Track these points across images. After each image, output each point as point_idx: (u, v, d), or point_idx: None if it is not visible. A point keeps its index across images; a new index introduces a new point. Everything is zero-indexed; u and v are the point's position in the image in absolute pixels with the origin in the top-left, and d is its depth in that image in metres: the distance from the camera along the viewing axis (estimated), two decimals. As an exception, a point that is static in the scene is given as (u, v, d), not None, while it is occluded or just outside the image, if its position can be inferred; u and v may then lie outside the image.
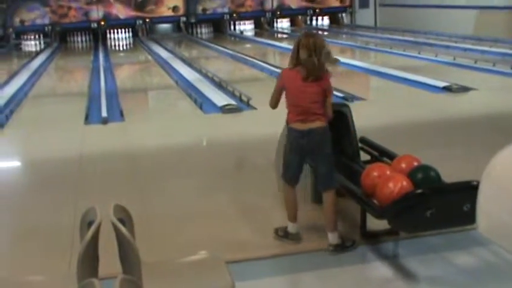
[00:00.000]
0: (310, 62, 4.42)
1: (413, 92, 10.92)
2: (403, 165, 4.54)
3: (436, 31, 20.28)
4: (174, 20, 25.83)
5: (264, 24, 26.85)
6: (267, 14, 26.66)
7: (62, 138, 8.74)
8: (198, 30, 26.25)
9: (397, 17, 24.54)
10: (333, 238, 4.59)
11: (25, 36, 24.81)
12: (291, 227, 4.78)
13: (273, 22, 27.21)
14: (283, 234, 4.80)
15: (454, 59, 14.15)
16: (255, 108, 9.94)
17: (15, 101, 11.55)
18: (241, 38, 24.72)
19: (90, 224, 3.10)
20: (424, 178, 4.30)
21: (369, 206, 4.36)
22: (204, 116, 9.71)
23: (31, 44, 24.61)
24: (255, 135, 8.27)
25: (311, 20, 27.66)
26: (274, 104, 4.76)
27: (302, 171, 4.81)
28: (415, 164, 4.54)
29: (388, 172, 4.45)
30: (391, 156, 5.11)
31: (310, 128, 4.53)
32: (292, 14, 27.34)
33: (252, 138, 8.14)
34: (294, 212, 4.79)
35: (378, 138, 5.73)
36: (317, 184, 4.87)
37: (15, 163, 8.14)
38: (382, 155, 5.35)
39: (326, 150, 4.61)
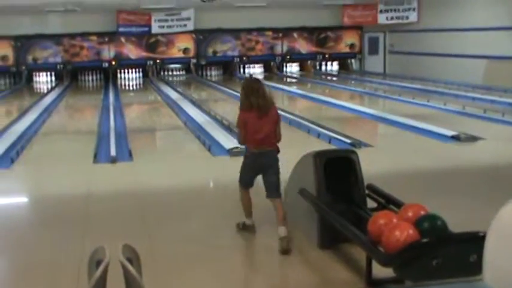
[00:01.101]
0: (260, 104, 5.71)
1: (422, 140, 10.96)
2: (410, 214, 4.56)
3: (445, 79, 20.43)
4: (184, 62, 26.13)
5: (273, 68, 27.12)
6: (277, 58, 26.94)
7: (71, 176, 8.81)
8: (208, 73, 26.53)
9: (406, 64, 24.77)
10: (281, 231, 5.54)
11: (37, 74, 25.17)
12: (248, 221, 6.06)
13: (283, 66, 27.49)
14: (242, 227, 6.07)
15: (463, 108, 14.21)
16: (263, 152, 9.99)
17: (26, 137, 11.67)
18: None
19: (98, 263, 3.13)
20: (431, 227, 4.31)
21: (375, 253, 4.37)
22: (212, 158, 9.76)
23: (43, 82, 24.93)
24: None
25: (320, 65, 27.91)
26: (242, 141, 6.01)
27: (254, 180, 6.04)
28: (422, 212, 4.55)
29: (394, 220, 4.48)
30: (398, 204, 5.14)
31: (267, 150, 5.82)
32: (301, 59, 27.61)
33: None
34: (249, 211, 6.07)
35: (385, 186, 5.76)
36: (267, 192, 5.89)
37: (24, 199, 8.19)
38: (389, 202, 5.38)
39: (277, 167, 5.88)
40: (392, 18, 25.01)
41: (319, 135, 11.15)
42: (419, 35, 23.97)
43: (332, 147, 9.90)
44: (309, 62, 27.83)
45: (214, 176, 8.83)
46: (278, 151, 5.93)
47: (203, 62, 26.22)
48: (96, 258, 3.21)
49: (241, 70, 26.88)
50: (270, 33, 26.63)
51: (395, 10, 24.81)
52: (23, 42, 24.59)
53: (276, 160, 5.89)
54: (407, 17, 24.52)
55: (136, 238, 5.51)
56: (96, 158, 9.79)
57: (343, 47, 27.41)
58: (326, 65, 28.06)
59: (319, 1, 23.53)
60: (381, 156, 9.68)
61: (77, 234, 6.15)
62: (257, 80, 6.06)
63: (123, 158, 9.75)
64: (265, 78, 25.28)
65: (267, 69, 27.18)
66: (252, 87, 5.81)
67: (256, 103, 5.69)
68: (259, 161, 5.85)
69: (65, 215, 6.94)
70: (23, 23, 24.14)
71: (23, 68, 24.77)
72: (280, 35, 26.69)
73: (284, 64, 27.47)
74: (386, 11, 25.07)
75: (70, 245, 5.82)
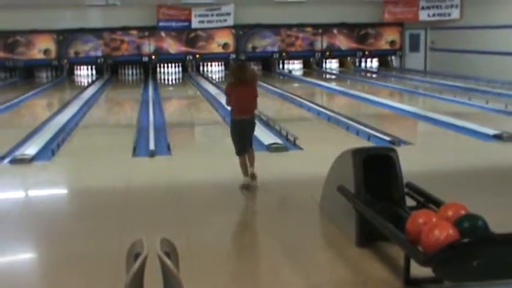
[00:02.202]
0: (242, 78, 7.58)
1: (463, 138, 10.81)
2: (450, 213, 4.50)
3: (488, 77, 20.10)
4: (223, 57, 26.18)
5: (312, 64, 27.04)
6: (316, 54, 26.84)
7: (110, 169, 8.92)
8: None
9: (447, 61, 24.43)
10: (252, 169, 7.65)
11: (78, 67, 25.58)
12: (246, 180, 7.58)
13: (322, 62, 27.40)
14: (243, 187, 7.53)
15: (506, 106, 13.96)
16: (301, 148, 9.98)
17: (67, 130, 11.84)
18: (289, 77, 24.91)
19: (136, 256, 3.15)
20: (471, 227, 4.25)
21: (414, 252, 4.32)
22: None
23: (83, 75, 25.31)
24: (301, 175, 8.30)
25: (360, 62, 27.75)
26: (227, 103, 7.87)
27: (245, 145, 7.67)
28: (462, 212, 4.49)
29: (434, 219, 4.42)
30: (437, 203, 5.09)
31: (247, 118, 7.64)
32: (341, 55, 27.47)
33: (298, 178, 8.17)
34: (246, 170, 7.61)
35: (425, 184, 5.70)
36: (247, 145, 7.68)
37: (64, 191, 8.32)
38: (428, 201, 5.32)
39: (253, 129, 7.85)
40: (434, 15, 24.67)
41: (358, 132, 11.09)
42: (462, 32, 23.58)
43: (371, 144, 9.84)
44: (348, 58, 27.67)
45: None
46: (254, 117, 7.84)
47: (242, 57, 26.24)
48: (134, 251, 3.25)
49: (281, 66, 26.88)
50: (309, 29, 26.54)
51: (437, 7, 24.46)
52: (65, 36, 24.95)
53: (254, 124, 7.82)
54: (449, 14, 24.14)
55: (174, 232, 5.54)
56: (135, 152, 9.89)
57: (383, 44, 27.19)
58: (366, 61, 27.89)
59: (360, -3, 23.37)
60: (420, 154, 9.57)
61: (115, 227, 6.22)
62: (243, 62, 8.46)
63: (162, 152, 9.83)
64: (305, 74, 25.31)
65: (307, 65, 27.12)
66: (237, 66, 8.15)
67: (238, 77, 7.58)
68: (241, 127, 7.62)
69: (104, 208, 7.03)
70: (65, 17, 24.56)
71: (65, 61, 25.15)
72: (320, 31, 26.57)
73: (324, 60, 27.38)
74: (428, 7, 24.75)
75: (109, 238, 5.89)
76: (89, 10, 24.34)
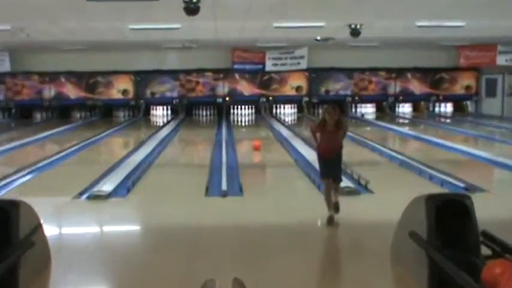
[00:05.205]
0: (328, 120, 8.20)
1: (541, 186, 10.53)
2: (527, 263, 4.39)
3: None
4: (296, 100, 26.40)
5: (385, 108, 26.92)
6: (389, 98, 26.76)
7: (183, 208, 9.07)
8: (320, 111, 26.67)
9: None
10: (335, 199, 8.09)
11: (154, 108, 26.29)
12: (329, 213, 8.03)
13: (395, 106, 27.26)
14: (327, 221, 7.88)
15: None
16: (372, 192, 9.91)
17: (142, 168, 12.12)
18: (361, 120, 24.84)
19: (209, 294, 3.22)
20: (549, 278, 4.14)
21: (489, 302, 4.22)
22: (321, 196, 9.74)
23: (159, 115, 25.98)
24: (372, 219, 8.23)
25: (434, 107, 27.47)
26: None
27: None
28: (540, 262, 4.38)
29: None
30: (514, 253, 4.97)
31: (333, 156, 8.15)
32: (414, 100, 27.28)
33: (369, 221, 8.11)
34: (329, 204, 8.12)
35: (501, 233, 5.57)
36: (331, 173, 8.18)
37: (137, 228, 8.51)
38: (504, 250, 5.20)
39: (340, 161, 8.37)
40: (512, 60, 24.22)
41: (431, 177, 10.92)
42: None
43: (444, 190, 9.68)
44: (422, 103, 27.46)
45: (322, 214, 8.81)
46: (339, 154, 8.29)
47: (315, 100, 26.39)
48: (207, 289, 3.32)
49: (353, 109, 26.87)
50: (383, 73, 26.53)
51: (515, 52, 24.03)
52: (142, 77, 25.75)
53: (339, 159, 8.29)
54: (528, 59, 23.68)
55: (244, 272, 5.58)
56: (207, 191, 10.02)
57: (458, 89, 26.87)
58: (440, 106, 27.59)
59: (433, 42, 23.15)
60: (496, 202, 9.34)
61: (187, 265, 6.31)
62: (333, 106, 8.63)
63: (234, 192, 9.92)
64: (377, 118, 25.17)
65: (379, 109, 27.04)
66: (332, 108, 8.41)
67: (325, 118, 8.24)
68: (325, 161, 8.27)
69: (176, 246, 7.14)
70: (142, 59, 25.35)
71: (141, 101, 25.93)
72: (394, 75, 26.52)
73: (397, 104, 27.26)
74: (506, 52, 24.29)
75: (180, 275, 5.98)
76: (166, 52, 25.05)
